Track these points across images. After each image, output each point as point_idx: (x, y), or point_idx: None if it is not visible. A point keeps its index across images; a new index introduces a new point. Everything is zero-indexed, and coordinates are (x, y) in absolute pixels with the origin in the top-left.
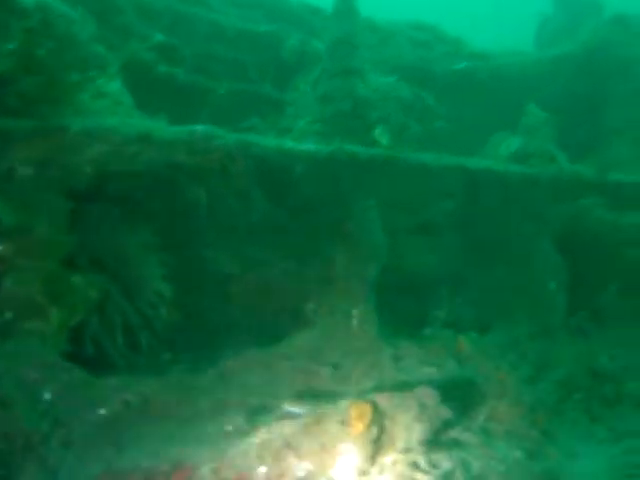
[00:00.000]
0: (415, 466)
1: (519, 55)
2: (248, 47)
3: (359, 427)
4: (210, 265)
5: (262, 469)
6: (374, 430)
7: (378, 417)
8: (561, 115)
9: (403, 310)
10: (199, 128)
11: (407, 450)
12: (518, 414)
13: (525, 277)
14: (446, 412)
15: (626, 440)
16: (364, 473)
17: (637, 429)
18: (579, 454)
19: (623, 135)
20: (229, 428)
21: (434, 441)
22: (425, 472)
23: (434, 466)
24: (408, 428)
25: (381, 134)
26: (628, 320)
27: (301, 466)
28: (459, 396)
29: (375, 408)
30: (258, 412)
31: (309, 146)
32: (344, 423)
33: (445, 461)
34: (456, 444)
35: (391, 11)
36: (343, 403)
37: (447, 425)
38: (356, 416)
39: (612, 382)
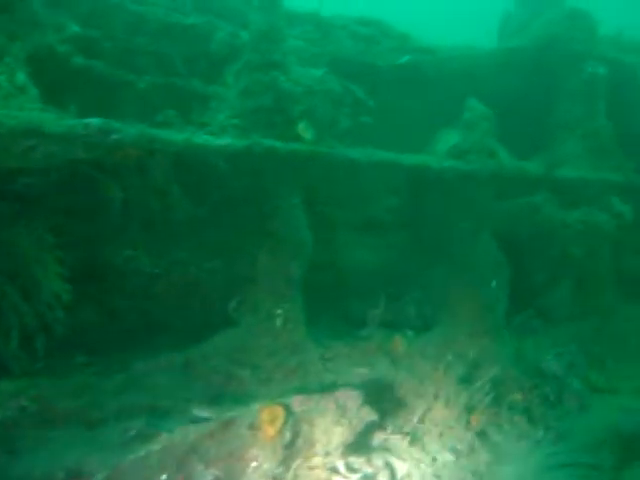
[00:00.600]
0: (333, 470)
1: (467, 49)
2: (176, 40)
3: (270, 431)
4: (131, 264)
5: (163, 477)
6: (287, 434)
7: (292, 421)
8: (511, 110)
9: (339, 309)
10: (94, 121)
11: (326, 454)
12: (453, 415)
13: (466, 275)
14: (369, 414)
15: (565, 441)
16: (276, 479)
17: (578, 429)
18: (513, 455)
19: (572, 131)
20: (132, 433)
21: (357, 444)
22: (344, 476)
23: (353, 470)
24: (327, 432)
25: (305, 129)
26: (576, 318)
27: (207, 473)
28: (390, 397)
29: (289, 411)
30: (164, 416)
31: (222, 140)
32: (254, 427)
33: (365, 465)
34: (383, 447)
35: (362, 10)
36: (254, 406)
37: (372, 427)
38: (267, 420)
39: (555, 381)
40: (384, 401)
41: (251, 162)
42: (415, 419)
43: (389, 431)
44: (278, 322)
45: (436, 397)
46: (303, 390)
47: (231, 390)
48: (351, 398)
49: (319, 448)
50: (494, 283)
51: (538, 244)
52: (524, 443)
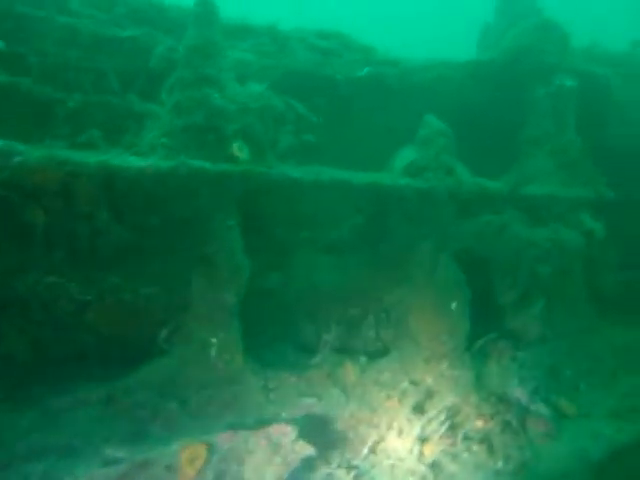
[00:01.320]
0: None
1: (434, 61)
2: (111, 54)
3: (190, 472)
4: (57, 291)
5: None
6: (209, 475)
7: (217, 459)
8: (480, 125)
9: (292, 335)
10: None
11: None
12: (405, 446)
13: (426, 297)
14: (305, 449)
15: (528, 471)
16: None
17: (543, 457)
18: None
19: (541, 146)
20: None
21: None
22: None
23: None
24: (258, 470)
25: (240, 148)
26: (548, 339)
27: None
28: (339, 429)
29: (213, 450)
30: (76, 457)
31: (143, 162)
32: (172, 469)
33: None
34: None
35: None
36: (174, 446)
37: (315, 462)
38: (187, 460)
39: (519, 408)
40: (332, 433)
41: (180, 184)
42: (365, 451)
43: (334, 465)
44: (213, 352)
45: (389, 427)
46: (237, 425)
47: (157, 427)
48: (285, 433)
49: None
50: (454, 305)
51: (506, 264)
52: (481, 474)
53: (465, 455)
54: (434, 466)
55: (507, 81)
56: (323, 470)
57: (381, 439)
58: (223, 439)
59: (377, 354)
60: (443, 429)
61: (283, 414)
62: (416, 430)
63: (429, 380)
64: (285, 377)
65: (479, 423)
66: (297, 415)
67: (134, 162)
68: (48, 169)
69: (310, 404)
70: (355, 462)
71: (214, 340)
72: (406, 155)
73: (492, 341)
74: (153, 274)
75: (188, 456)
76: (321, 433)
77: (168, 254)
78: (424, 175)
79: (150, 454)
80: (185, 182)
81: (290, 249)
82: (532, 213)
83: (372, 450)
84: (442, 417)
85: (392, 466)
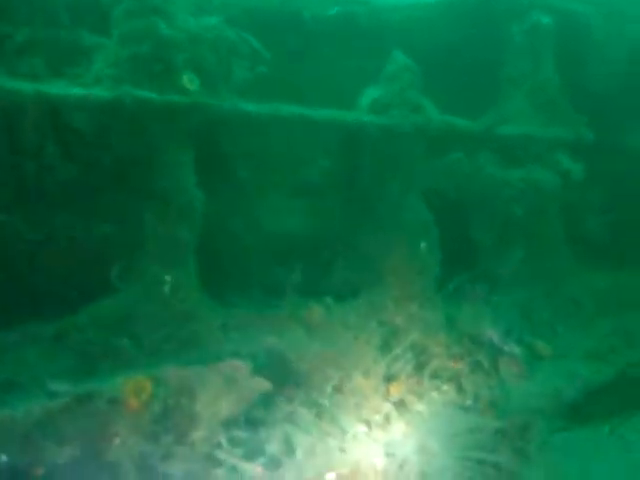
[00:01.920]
0: (215, 445)
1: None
2: None
3: (134, 405)
4: (7, 231)
5: (3, 458)
6: (156, 408)
7: (166, 394)
8: (455, 65)
9: (259, 278)
10: None
11: (208, 429)
12: (371, 385)
13: (394, 238)
14: (263, 385)
15: (495, 408)
16: (145, 457)
17: (514, 397)
18: (434, 423)
19: (519, 86)
20: None
21: (252, 419)
22: (226, 451)
23: (238, 444)
24: (210, 405)
25: (190, 79)
26: (525, 283)
27: (62, 451)
28: (303, 368)
29: (161, 384)
30: (18, 392)
31: (82, 90)
32: (116, 401)
33: (256, 439)
34: (286, 420)
35: None
36: (118, 379)
37: (275, 400)
38: (132, 393)
39: (490, 349)
40: (294, 372)
41: (126, 115)
42: (329, 390)
43: (296, 403)
44: (166, 289)
45: (355, 367)
46: (191, 362)
47: (107, 364)
48: (239, 369)
49: (200, 423)
50: (423, 245)
51: (480, 205)
52: (448, 412)
53: (433, 394)
54: (400, 404)
55: (482, 19)
56: (285, 408)
57: (347, 378)
58: (172, 374)
59: (346, 296)
60: (410, 368)
61: (242, 352)
62: (383, 370)
63: (398, 321)
64: (246, 316)
65: (449, 363)
66: (257, 353)
67: (77, 92)
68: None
69: (271, 342)
70: (319, 400)
71: (168, 277)
72: (372, 93)
73: (466, 283)
74: (104, 212)
75: (132, 389)
76: (283, 372)
77: (119, 191)
78: (389, 112)
79: (94, 387)
80: (132, 114)
81: (256, 191)
82: (507, 154)
83: (337, 389)
84: (409, 356)
85: (357, 404)
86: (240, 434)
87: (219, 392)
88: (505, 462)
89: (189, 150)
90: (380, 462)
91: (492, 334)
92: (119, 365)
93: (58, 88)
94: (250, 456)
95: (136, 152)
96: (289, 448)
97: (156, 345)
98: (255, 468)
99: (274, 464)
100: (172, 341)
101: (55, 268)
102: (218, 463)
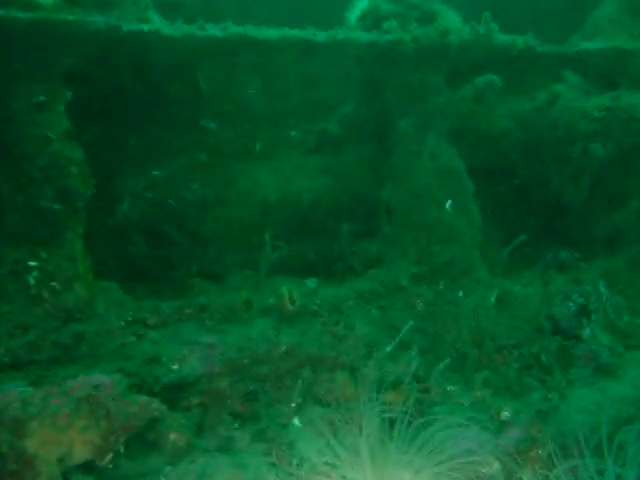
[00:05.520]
0: None
1: None
2: None
3: None
4: None
5: None
6: None
7: None
8: None
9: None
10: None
11: None
12: (353, 393)
13: (408, 196)
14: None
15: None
16: None
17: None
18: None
19: None
20: None
21: None
22: None
23: None
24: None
25: None
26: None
27: None
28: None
29: None
30: None
31: None
32: None
33: None
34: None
35: None
36: None
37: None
38: None
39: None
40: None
41: None
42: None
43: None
44: (31, 279)
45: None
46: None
47: None
48: (103, 388)
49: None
50: (449, 203)
51: (558, 148)
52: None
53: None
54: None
55: None
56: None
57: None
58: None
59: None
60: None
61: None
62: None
63: (419, 305)
64: (172, 310)
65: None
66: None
67: None
68: None
69: (208, 341)
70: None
71: (33, 263)
72: (357, 5)
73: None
74: None
75: None
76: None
77: None
78: (383, 26)
79: None
80: None
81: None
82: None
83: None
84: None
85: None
86: None
87: (65, 424)
88: None
89: (61, 91)
90: None
91: (559, 315)
92: None
93: None
94: None
95: None
96: None
97: (13, 355)
98: None
99: None
100: (43, 348)
101: None
102: None
